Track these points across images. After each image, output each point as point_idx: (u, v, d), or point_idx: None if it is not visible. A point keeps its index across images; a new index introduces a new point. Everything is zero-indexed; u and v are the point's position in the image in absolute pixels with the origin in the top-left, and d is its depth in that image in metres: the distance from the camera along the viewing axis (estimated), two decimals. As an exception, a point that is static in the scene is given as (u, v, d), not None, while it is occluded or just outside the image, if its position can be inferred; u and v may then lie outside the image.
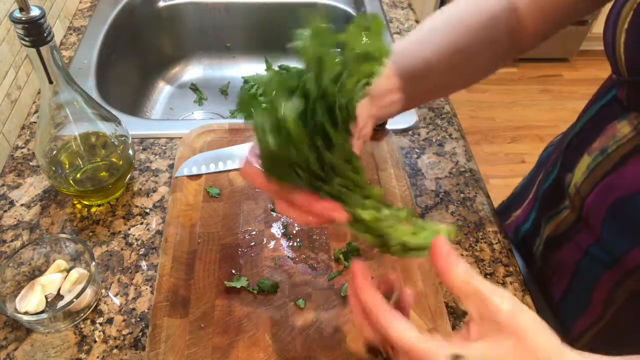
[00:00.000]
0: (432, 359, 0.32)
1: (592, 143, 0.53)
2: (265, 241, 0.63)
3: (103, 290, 0.59)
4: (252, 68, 1.21)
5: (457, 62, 0.52)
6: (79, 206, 0.68)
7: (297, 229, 0.65)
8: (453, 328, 0.57)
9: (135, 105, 1.08)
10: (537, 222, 0.68)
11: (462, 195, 0.72)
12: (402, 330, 0.33)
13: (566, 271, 0.61)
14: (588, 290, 0.57)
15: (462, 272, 0.33)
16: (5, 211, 0.67)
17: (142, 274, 0.61)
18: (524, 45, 0.55)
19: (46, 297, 0.57)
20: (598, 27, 2.51)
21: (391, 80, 0.50)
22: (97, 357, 0.54)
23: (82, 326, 0.56)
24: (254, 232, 0.64)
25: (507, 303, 0.32)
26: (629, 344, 0.57)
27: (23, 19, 0.49)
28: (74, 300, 0.53)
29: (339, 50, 0.32)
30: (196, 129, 0.76)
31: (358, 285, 0.36)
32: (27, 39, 0.51)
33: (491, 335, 0.32)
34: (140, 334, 0.56)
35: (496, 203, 0.78)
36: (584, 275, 0.58)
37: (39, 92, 0.85)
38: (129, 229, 0.66)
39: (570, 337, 0.61)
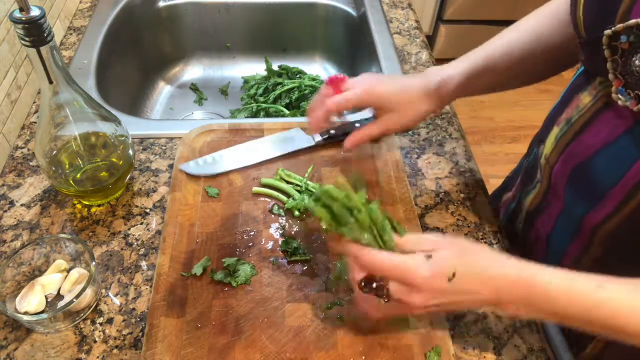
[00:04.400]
0: (410, 267, 0.44)
1: (561, 115, 0.57)
2: (263, 242, 0.63)
3: (103, 290, 0.59)
4: (252, 68, 1.21)
5: (516, 61, 0.62)
6: (79, 206, 0.68)
7: (295, 229, 0.65)
8: (452, 329, 0.57)
9: (135, 105, 1.08)
10: (520, 199, 0.70)
11: (462, 195, 0.72)
12: (381, 255, 0.46)
13: (540, 246, 0.63)
14: (556, 262, 0.58)
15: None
16: (5, 211, 0.67)
17: (142, 274, 0.61)
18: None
19: (46, 297, 0.57)
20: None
21: (454, 79, 0.62)
22: (97, 357, 0.54)
23: (82, 326, 0.56)
24: (252, 233, 0.64)
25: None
26: None
27: (23, 19, 0.49)
28: (74, 300, 0.53)
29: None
30: (196, 129, 0.76)
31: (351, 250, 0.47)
32: (27, 39, 0.51)
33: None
34: (140, 334, 0.56)
35: (496, 203, 0.78)
36: (554, 247, 0.60)
37: (39, 92, 0.85)
38: (129, 229, 0.66)
39: None
